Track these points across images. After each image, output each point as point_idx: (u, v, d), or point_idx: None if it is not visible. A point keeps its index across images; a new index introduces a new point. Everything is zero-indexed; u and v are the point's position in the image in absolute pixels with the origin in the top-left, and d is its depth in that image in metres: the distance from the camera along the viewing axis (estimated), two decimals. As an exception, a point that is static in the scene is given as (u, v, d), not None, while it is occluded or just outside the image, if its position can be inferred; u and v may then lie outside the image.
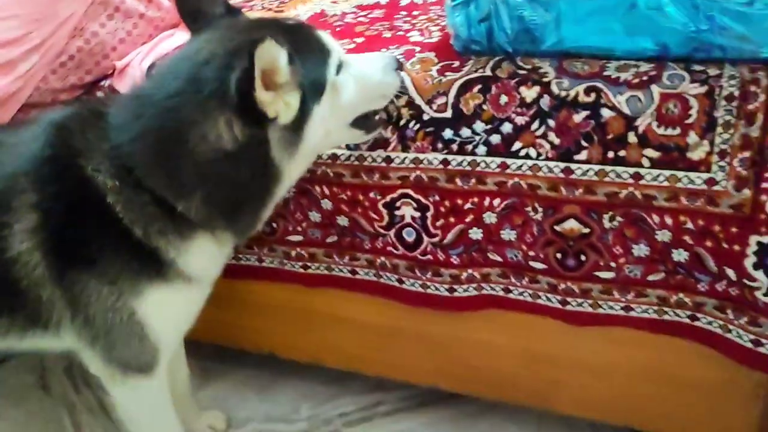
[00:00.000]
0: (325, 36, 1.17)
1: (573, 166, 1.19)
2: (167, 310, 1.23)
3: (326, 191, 1.38)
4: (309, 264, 1.50)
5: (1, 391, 1.90)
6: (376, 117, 1.27)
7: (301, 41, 1.12)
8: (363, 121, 1.25)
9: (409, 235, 1.36)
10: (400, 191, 1.32)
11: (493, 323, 1.41)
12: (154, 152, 1.12)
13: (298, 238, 1.47)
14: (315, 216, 1.42)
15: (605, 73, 1.18)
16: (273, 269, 1.53)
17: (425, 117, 1.27)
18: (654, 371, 1.33)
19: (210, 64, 1.08)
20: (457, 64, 1.29)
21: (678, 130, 1.13)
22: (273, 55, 1.03)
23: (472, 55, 1.30)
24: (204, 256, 1.22)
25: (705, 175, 1.12)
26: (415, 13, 1.56)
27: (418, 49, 1.37)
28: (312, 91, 1.12)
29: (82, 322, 1.21)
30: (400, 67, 1.25)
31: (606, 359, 1.36)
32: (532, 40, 1.25)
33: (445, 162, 1.27)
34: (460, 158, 1.26)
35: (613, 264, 1.23)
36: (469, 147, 1.25)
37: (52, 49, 1.41)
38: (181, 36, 1.55)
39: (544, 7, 1.21)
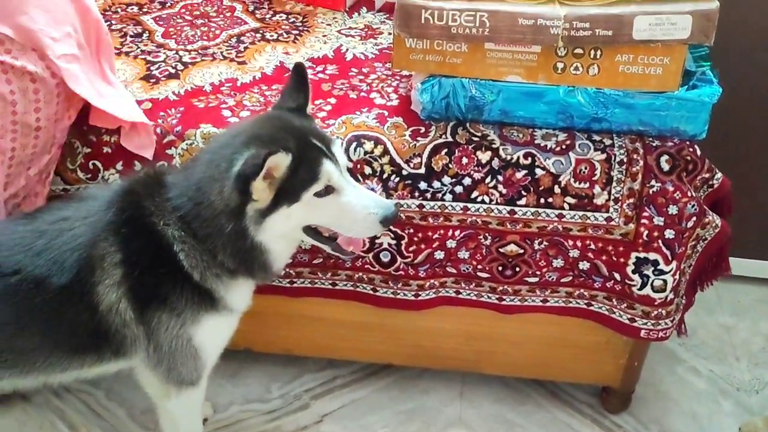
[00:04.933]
0: (326, 165, 1.35)
1: (516, 208, 1.68)
2: (216, 335, 1.56)
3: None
4: (295, 280, 1.87)
5: (-20, 405, 2.06)
6: (350, 249, 1.49)
7: (304, 160, 1.34)
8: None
9: (385, 257, 1.78)
10: (382, 226, 1.73)
11: (442, 315, 1.88)
12: (195, 203, 1.41)
13: (288, 260, 1.82)
14: (305, 245, 1.78)
15: (536, 142, 1.67)
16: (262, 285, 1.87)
17: (404, 172, 1.69)
18: (556, 339, 1.90)
19: (237, 150, 1.37)
20: (423, 129, 1.70)
21: (588, 185, 1.65)
22: (281, 163, 1.33)
23: (432, 122, 1.72)
24: (243, 294, 1.56)
25: (605, 215, 1.67)
26: (364, 70, 1.93)
27: (386, 113, 1.76)
28: (286, 198, 1.34)
29: (153, 348, 1.51)
30: (389, 223, 1.41)
31: (524, 333, 1.90)
32: (479, 112, 1.70)
33: (421, 206, 1.70)
34: (432, 203, 1.69)
35: (538, 272, 1.75)
36: (439, 195, 1.69)
37: None
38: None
39: (490, 90, 1.66)
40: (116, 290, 1.43)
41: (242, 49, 2.02)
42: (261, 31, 2.10)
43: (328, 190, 1.39)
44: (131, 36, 2.07)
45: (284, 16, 2.17)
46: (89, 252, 1.42)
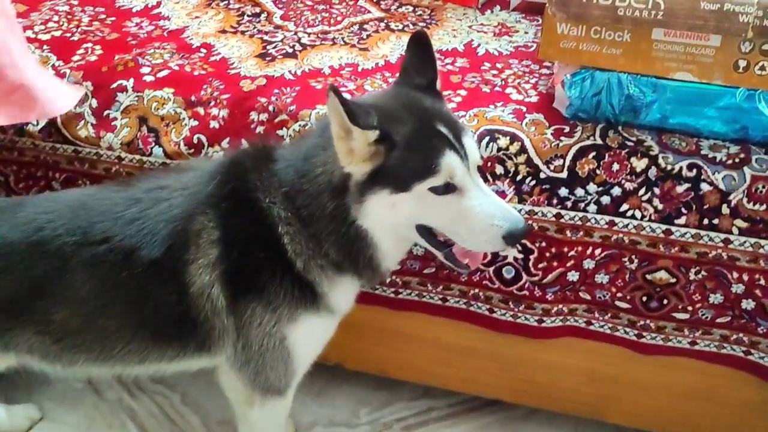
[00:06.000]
0: (449, 157, 1.15)
1: (673, 228, 1.43)
2: (312, 338, 1.37)
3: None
4: (401, 290, 1.66)
5: (51, 395, 1.92)
6: (465, 262, 1.27)
7: (419, 146, 1.15)
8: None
9: (508, 273, 1.55)
10: (509, 236, 1.50)
11: (565, 347, 1.63)
12: (300, 176, 1.24)
13: (396, 267, 1.61)
14: (418, 250, 1.58)
15: (702, 152, 1.42)
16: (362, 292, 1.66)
17: (542, 175, 1.46)
18: (700, 391, 1.61)
19: None
20: (567, 129, 1.48)
21: (764, 207, 1.38)
22: (355, 133, 1.12)
23: (578, 122, 1.49)
24: (347, 294, 1.37)
25: (783, 245, 1.39)
26: (498, 65, 1.73)
27: (524, 108, 1.54)
28: (391, 182, 1.16)
29: (241, 346, 1.32)
30: (514, 240, 1.19)
31: (660, 380, 1.62)
32: (634, 114, 1.46)
33: (558, 216, 1.47)
34: (572, 213, 1.46)
35: (690, 308, 1.49)
36: (581, 205, 1.46)
37: None
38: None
39: (652, 89, 1.43)
40: (210, 272, 1.26)
41: (365, 37, 1.86)
42: (385, 21, 1.94)
43: (449, 188, 1.17)
44: (249, 16, 1.95)
45: (410, 8, 2.01)
46: (185, 225, 1.26)
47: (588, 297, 1.54)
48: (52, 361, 1.38)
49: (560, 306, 1.55)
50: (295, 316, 1.30)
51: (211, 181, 1.29)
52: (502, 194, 1.48)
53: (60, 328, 1.31)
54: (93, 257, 1.26)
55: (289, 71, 1.69)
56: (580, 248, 1.48)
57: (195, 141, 1.60)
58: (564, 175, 1.45)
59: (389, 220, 1.21)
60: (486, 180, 1.48)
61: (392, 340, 1.76)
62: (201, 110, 1.61)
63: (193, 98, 1.62)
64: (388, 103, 1.22)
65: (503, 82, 1.66)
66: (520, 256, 1.52)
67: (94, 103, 1.67)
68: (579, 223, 1.46)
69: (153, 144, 1.63)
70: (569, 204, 1.46)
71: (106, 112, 1.66)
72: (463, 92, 1.62)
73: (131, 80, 1.67)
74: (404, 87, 1.28)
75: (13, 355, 1.37)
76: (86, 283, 1.27)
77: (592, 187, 1.45)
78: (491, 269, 1.55)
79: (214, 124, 1.60)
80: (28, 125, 1.68)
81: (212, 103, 1.61)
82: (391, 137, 1.15)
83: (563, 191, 1.46)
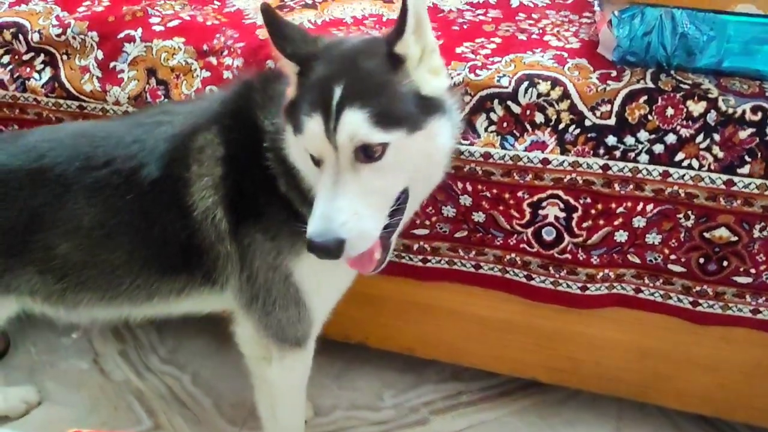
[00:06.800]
0: (312, 123, 1.01)
1: (735, 179, 1.28)
2: (320, 277, 1.25)
3: (469, 188, 1.41)
4: (429, 258, 1.52)
5: (53, 375, 1.81)
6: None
7: (304, 97, 1.04)
8: None
9: (549, 234, 1.41)
10: (549, 192, 1.37)
11: (611, 319, 1.48)
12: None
13: (424, 231, 1.49)
14: (449, 211, 1.44)
15: (767, 94, 1.27)
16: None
17: (587, 123, 1.32)
18: (763, 368, 1.45)
19: None
20: (614, 73, 1.34)
21: (840, 153, 1.23)
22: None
23: (626, 66, 1.35)
24: None
25: None
26: (534, 16, 1.60)
27: (566, 54, 1.41)
28: (290, 117, 1.09)
29: (246, 278, 1.22)
30: (311, 249, 1.01)
31: (717, 355, 1.47)
32: (689, 56, 1.32)
33: (605, 167, 1.33)
34: (621, 164, 1.32)
35: (753, 270, 1.34)
36: (632, 155, 1.31)
37: None
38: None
39: (710, 26, 1.29)
40: (214, 193, 1.18)
41: (390, -10, 1.73)
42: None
43: (315, 161, 1.04)
44: (266, -29, 1.82)
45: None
46: (186, 142, 1.19)
47: (637, 260, 1.39)
48: (55, 303, 1.30)
49: (606, 271, 1.41)
50: (298, 249, 1.20)
51: (218, 101, 1.23)
52: (542, 144, 1.34)
53: (63, 263, 1.24)
54: (95, 182, 1.20)
55: (308, 20, 1.58)
56: (629, 204, 1.34)
57: (207, 93, 1.48)
58: (612, 121, 1.32)
59: (307, 166, 1.10)
60: (525, 130, 1.35)
61: (419, 314, 1.63)
62: (213, 60, 1.50)
63: (205, 47, 1.51)
64: (346, 46, 1.12)
65: (540, 31, 1.53)
66: (562, 215, 1.38)
67: (100, 54, 1.56)
68: (629, 175, 1.32)
69: (162, 97, 1.52)
70: (618, 154, 1.32)
71: (112, 64, 1.55)
72: (498, 40, 1.48)
73: (139, 30, 1.55)
74: (378, 39, 1.15)
75: (14, 299, 1.30)
76: (89, 211, 1.21)
77: (643, 135, 1.31)
78: (529, 230, 1.42)
79: (227, 74, 1.48)
80: (30, 80, 1.57)
81: (226, 53, 1.49)
82: (307, 75, 1.05)
83: (611, 140, 1.32)
